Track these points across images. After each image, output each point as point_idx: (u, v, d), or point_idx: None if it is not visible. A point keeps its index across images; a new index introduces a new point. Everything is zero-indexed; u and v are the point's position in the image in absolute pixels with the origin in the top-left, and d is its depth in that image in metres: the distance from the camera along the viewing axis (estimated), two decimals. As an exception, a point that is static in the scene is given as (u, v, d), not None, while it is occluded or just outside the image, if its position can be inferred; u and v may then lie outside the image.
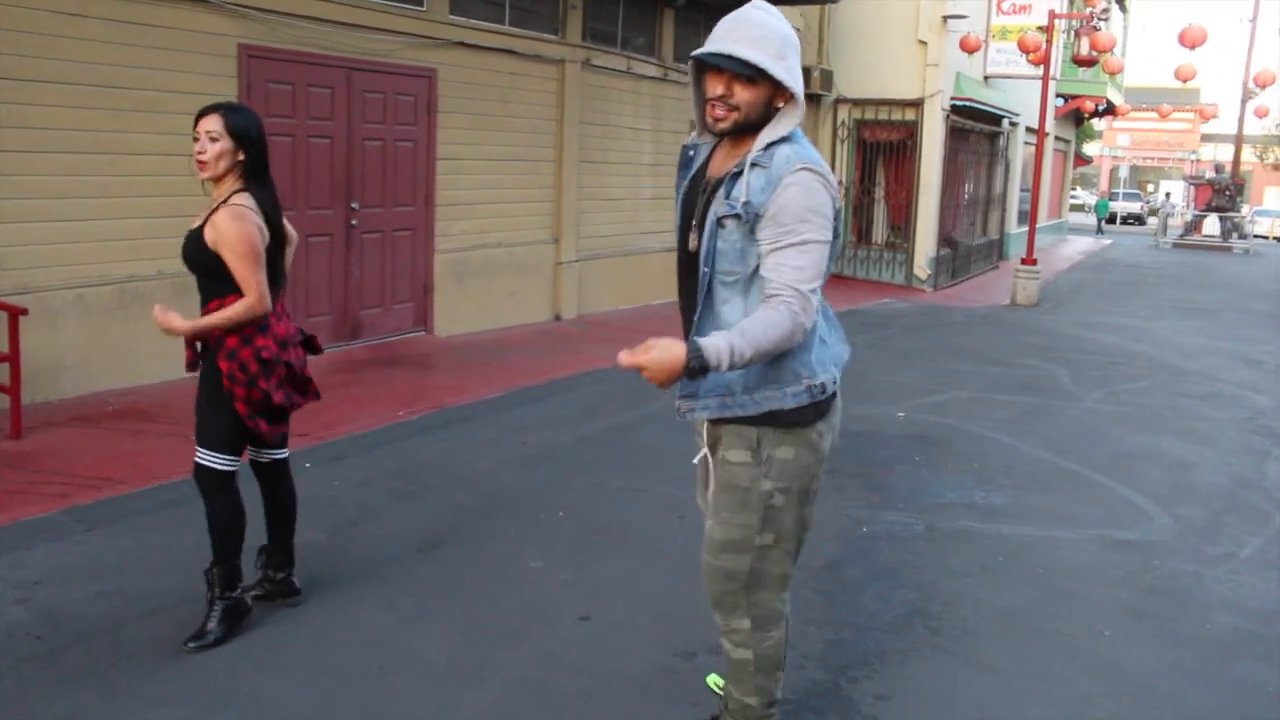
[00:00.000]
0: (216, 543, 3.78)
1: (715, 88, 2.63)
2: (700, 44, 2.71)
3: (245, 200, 3.61)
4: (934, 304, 15.49)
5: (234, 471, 3.76)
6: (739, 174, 2.63)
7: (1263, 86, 26.19)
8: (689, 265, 2.77)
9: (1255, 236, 32.82)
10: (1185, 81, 21.53)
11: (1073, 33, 15.70)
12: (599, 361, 9.04)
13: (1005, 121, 20.45)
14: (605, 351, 9.42)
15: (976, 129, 18.40)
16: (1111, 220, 42.75)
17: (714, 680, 3.42)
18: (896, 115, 16.48)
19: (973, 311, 15.04)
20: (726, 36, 2.58)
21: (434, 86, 9.22)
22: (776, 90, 2.63)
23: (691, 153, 2.86)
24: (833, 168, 16.87)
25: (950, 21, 15.93)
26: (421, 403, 7.37)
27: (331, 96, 8.33)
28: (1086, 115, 27.38)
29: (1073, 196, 43.67)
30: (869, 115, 16.74)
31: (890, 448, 6.97)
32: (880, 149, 16.97)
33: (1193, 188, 36.65)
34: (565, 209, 11.05)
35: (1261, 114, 33.58)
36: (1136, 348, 12.02)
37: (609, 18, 11.48)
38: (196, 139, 3.58)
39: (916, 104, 16.27)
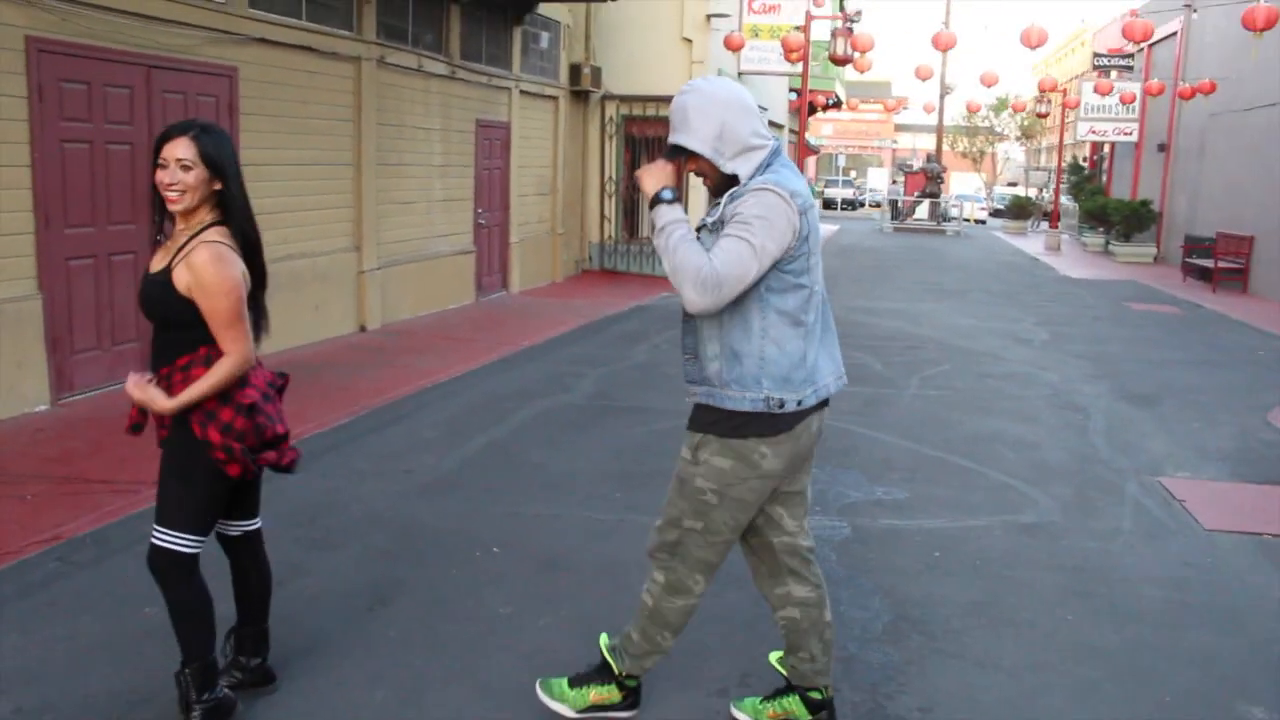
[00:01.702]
0: (185, 638, 3.22)
1: (691, 168, 3.12)
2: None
3: (223, 237, 3.09)
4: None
5: (198, 554, 3.21)
6: (720, 204, 3.04)
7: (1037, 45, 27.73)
8: None
9: (952, 220, 35.71)
10: (925, 80, 23.06)
11: (831, 33, 16.43)
12: (431, 375, 8.59)
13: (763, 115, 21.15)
14: (429, 363, 9.04)
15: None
16: (828, 206, 45.43)
17: (775, 657, 3.63)
18: (664, 111, 16.51)
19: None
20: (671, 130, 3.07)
21: (235, 86, 8.43)
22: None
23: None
24: (600, 164, 17.01)
25: (713, 20, 16.28)
26: (332, 418, 6.73)
27: (131, 98, 7.42)
28: (818, 109, 28.86)
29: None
30: (636, 111, 16.87)
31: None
32: (649, 144, 17.13)
33: (904, 175, 39.48)
34: (366, 214, 10.44)
35: (974, 109, 36.59)
36: (920, 331, 12.74)
37: (399, 13, 10.92)
38: (163, 165, 3.05)
39: (684, 100, 16.49)
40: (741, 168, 3.00)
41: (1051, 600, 4.70)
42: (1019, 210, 36.86)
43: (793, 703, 3.41)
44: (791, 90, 26.95)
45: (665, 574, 3.28)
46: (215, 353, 3.07)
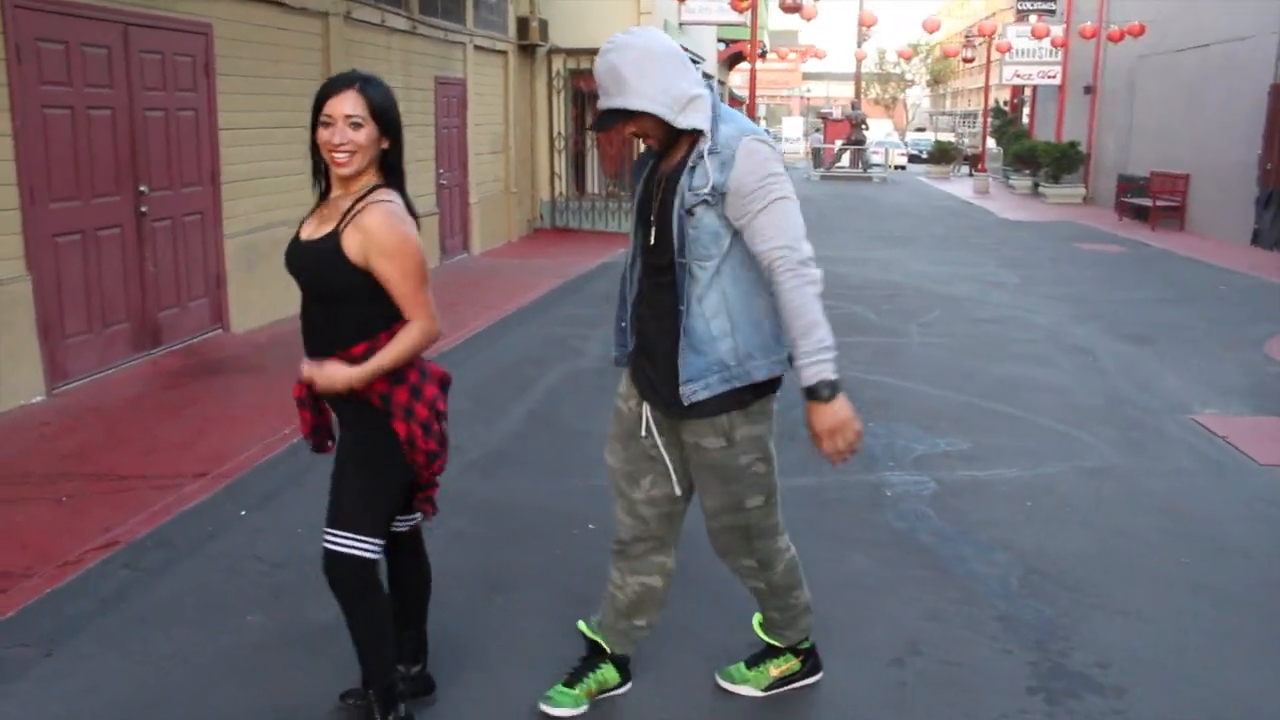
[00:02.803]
0: (368, 657, 2.92)
1: (631, 130, 2.82)
2: None
3: (394, 198, 2.77)
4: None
5: (379, 560, 2.91)
6: (695, 166, 2.75)
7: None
8: (649, 262, 2.91)
9: (875, 166, 35.93)
10: (868, 26, 22.96)
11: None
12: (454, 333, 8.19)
13: (698, 67, 20.88)
14: (448, 319, 8.60)
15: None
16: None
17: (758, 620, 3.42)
18: (614, 64, 16.25)
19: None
20: (601, 97, 2.76)
21: (210, 45, 7.88)
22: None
23: (649, 158, 2.95)
24: (549, 121, 16.59)
25: (661, -32, 15.92)
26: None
27: (109, 58, 6.86)
28: (745, 58, 28.61)
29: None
30: (585, 65, 16.43)
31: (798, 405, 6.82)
32: (595, 99, 16.71)
33: (824, 123, 39.55)
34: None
35: (906, 55, 36.81)
36: (892, 279, 12.70)
37: (361, -37, 10.36)
38: (328, 123, 2.70)
39: (633, 52, 16.13)
40: (698, 119, 2.75)
41: (1158, 544, 4.66)
42: (942, 155, 37.22)
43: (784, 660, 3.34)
44: (720, 40, 26.71)
45: (753, 558, 3.10)
46: (389, 337, 2.75)
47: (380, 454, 2.78)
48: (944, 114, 70.30)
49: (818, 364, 2.70)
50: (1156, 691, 3.41)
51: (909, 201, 26.15)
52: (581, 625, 3.30)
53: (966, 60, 28.19)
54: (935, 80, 60.05)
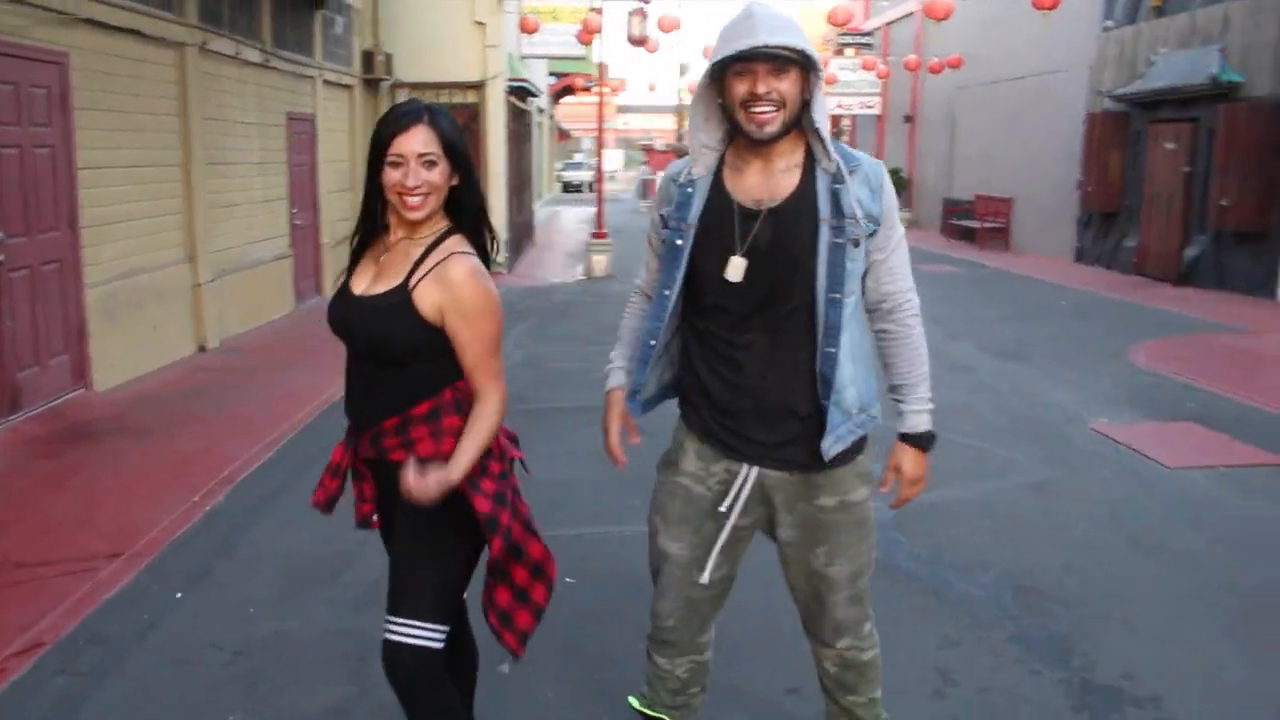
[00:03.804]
0: None
1: (752, 87, 2.32)
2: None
3: (470, 249, 2.49)
4: (526, 285, 15.30)
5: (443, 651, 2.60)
6: (838, 189, 2.41)
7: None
8: (734, 303, 2.48)
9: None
10: (707, 57, 23.27)
11: (629, 14, 16.24)
12: (320, 392, 7.74)
13: (533, 101, 20.77)
14: (304, 380, 8.16)
15: (522, 109, 18.48)
16: (568, 189, 45.39)
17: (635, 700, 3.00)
18: (458, 98, 15.98)
19: (568, 288, 15.25)
20: (750, 34, 2.29)
21: (67, 75, 7.23)
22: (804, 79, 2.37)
23: (690, 188, 2.52)
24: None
25: (505, 2, 15.74)
26: (202, 476, 5.79)
27: (-42, 92, 6.20)
28: (575, 91, 28.71)
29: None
30: (429, 99, 16.00)
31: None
32: (442, 133, 16.35)
33: (648, 154, 40.01)
34: (198, 220, 9.32)
35: (691, 89, 37.35)
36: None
37: (212, -7, 9.79)
38: (397, 163, 2.39)
39: (478, 86, 15.91)
40: (824, 114, 2.42)
41: (1126, 552, 4.80)
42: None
43: None
44: (550, 74, 26.70)
45: (870, 618, 2.77)
46: (461, 395, 2.48)
47: (442, 531, 2.49)
48: (754, 145, 72.28)
49: (928, 413, 2.59)
50: (1189, 697, 3.47)
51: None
52: (634, 702, 2.99)
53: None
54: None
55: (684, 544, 2.66)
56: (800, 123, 2.39)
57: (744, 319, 2.48)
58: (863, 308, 2.55)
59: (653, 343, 2.59)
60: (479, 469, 2.46)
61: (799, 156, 2.46)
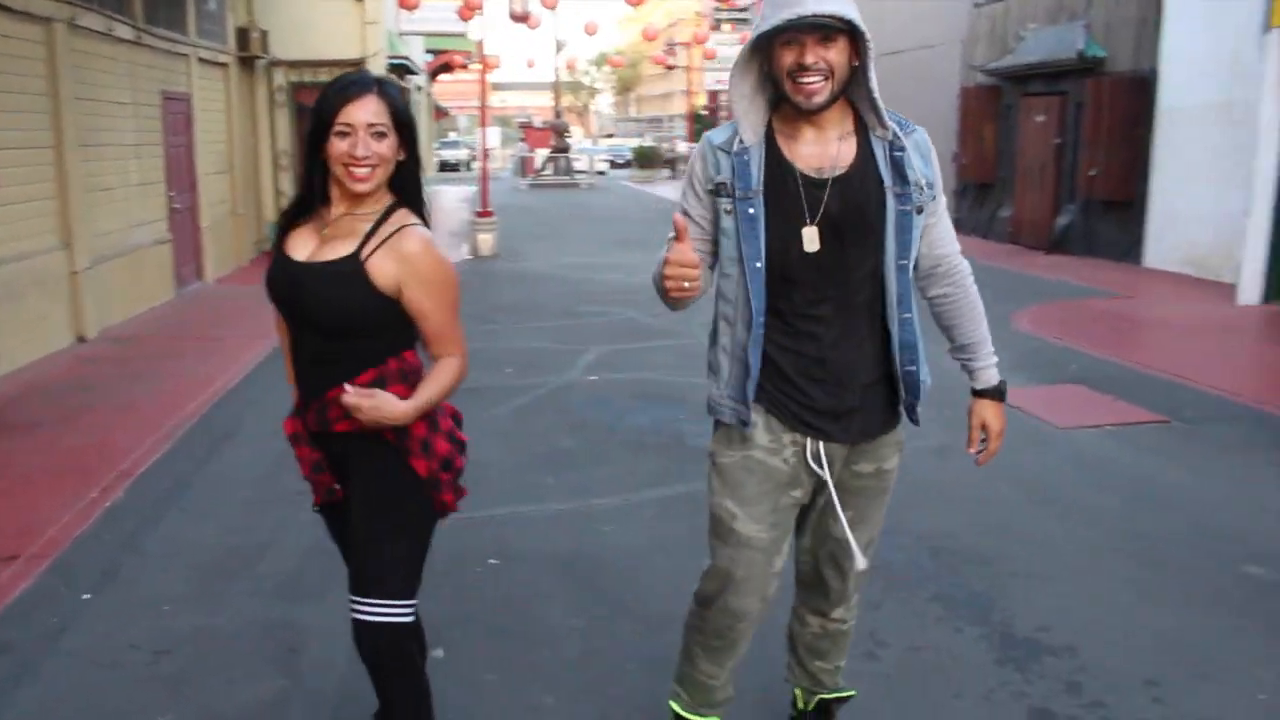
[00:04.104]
0: None
1: (799, 58, 2.28)
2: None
3: (417, 220, 2.45)
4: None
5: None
6: (899, 155, 2.41)
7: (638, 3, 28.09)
8: (812, 273, 2.42)
9: (580, 173, 36.47)
10: (591, 35, 23.10)
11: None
12: (212, 382, 7.52)
13: (412, 79, 20.40)
14: (197, 369, 7.94)
15: (402, 88, 18.12)
16: (445, 168, 44.68)
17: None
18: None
19: (455, 267, 15.00)
20: (798, 2, 2.22)
21: (-73, 57, 6.84)
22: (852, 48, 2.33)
23: (746, 155, 2.42)
24: (271, 137, 15.67)
25: (384, -24, 15.41)
26: (98, 472, 5.57)
27: None
28: (453, 68, 28.28)
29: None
30: (307, 78, 15.64)
31: (650, 414, 6.81)
32: (320, 112, 15.91)
33: (526, 132, 39.68)
34: (73, 205, 8.91)
35: (571, 65, 37.11)
36: (650, 282, 12.85)
37: (79, -34, 9.32)
38: (345, 132, 2.32)
39: (358, 64, 15.50)
40: (874, 83, 2.37)
41: (1028, 512, 5.01)
42: (646, 160, 38.30)
43: None
44: (428, 51, 26.25)
45: (858, 597, 2.83)
46: (407, 366, 2.45)
47: (403, 500, 2.47)
48: (631, 120, 72.54)
49: (996, 366, 2.67)
50: (1103, 644, 3.66)
51: (626, 206, 26.75)
52: (677, 707, 2.80)
53: (669, 67, 29.25)
54: (624, 88, 61.91)
55: (763, 526, 2.52)
56: (847, 90, 2.36)
57: (817, 290, 2.42)
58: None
59: (762, 319, 2.43)
60: (414, 429, 2.44)
61: (849, 123, 2.43)
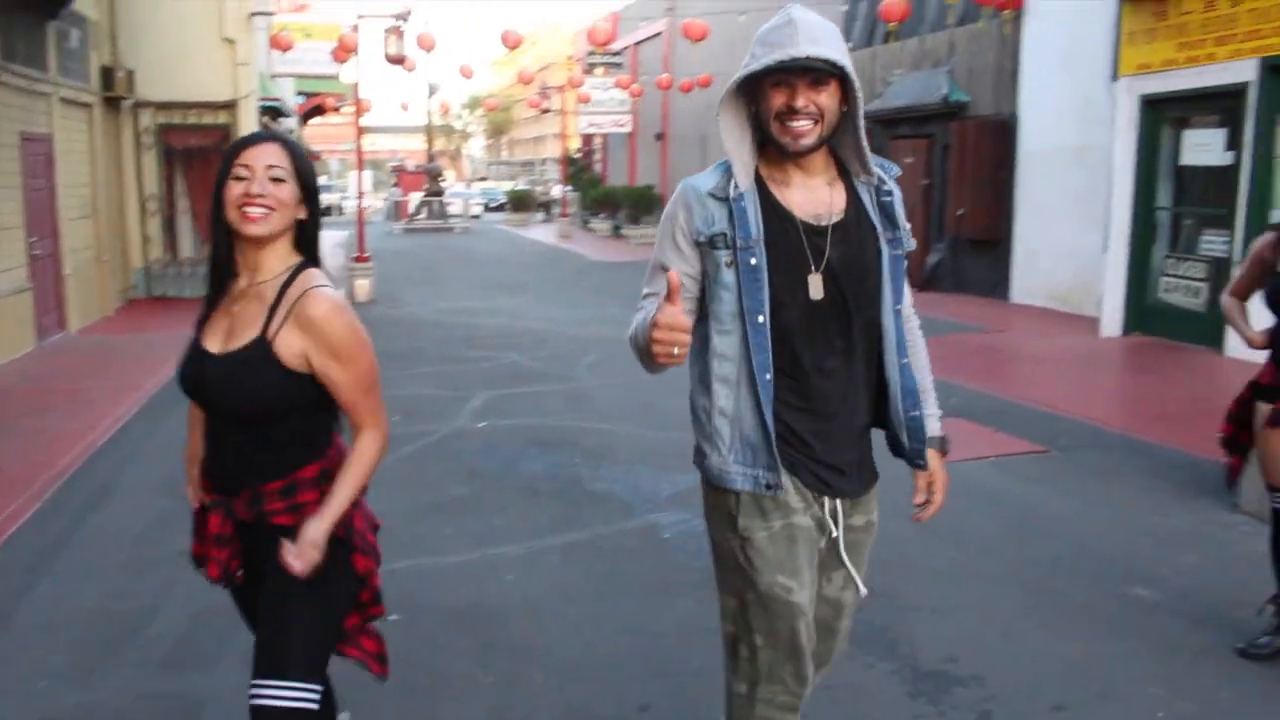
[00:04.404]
0: None
1: (791, 100, 2.22)
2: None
3: (325, 280, 2.36)
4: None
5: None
6: (886, 200, 2.39)
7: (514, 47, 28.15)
8: (820, 325, 2.34)
9: (455, 216, 36.19)
10: (468, 78, 22.97)
11: (385, 32, 15.85)
12: (84, 437, 7.17)
13: (285, 122, 20.00)
14: (66, 424, 7.59)
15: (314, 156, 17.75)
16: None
17: None
18: (208, 119, 15.19)
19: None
20: (790, 42, 2.19)
21: None
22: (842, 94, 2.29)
23: (741, 202, 2.31)
24: (137, 181, 15.15)
25: (255, 18, 15.10)
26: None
27: None
28: (326, 111, 27.83)
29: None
30: (177, 119, 15.18)
31: (544, 459, 6.74)
32: (190, 156, 15.47)
33: (399, 175, 39.24)
34: (-77, 254, 8.44)
35: (445, 109, 37.00)
36: (532, 326, 12.82)
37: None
38: (242, 176, 2.26)
39: (229, 106, 15.17)
40: (861, 128, 2.33)
41: (927, 543, 5.09)
42: (519, 203, 38.24)
43: None
44: (299, 94, 25.81)
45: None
46: (328, 462, 2.37)
47: (332, 583, 2.35)
48: (503, 164, 72.49)
49: (940, 419, 2.60)
50: (1008, 672, 3.75)
51: (503, 250, 26.66)
52: None
53: (544, 111, 29.38)
54: (496, 131, 61.87)
55: (806, 593, 2.39)
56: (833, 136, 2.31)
57: (826, 342, 2.35)
58: None
59: (768, 376, 2.32)
60: (356, 522, 2.37)
61: (833, 169, 2.39)
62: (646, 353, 2.20)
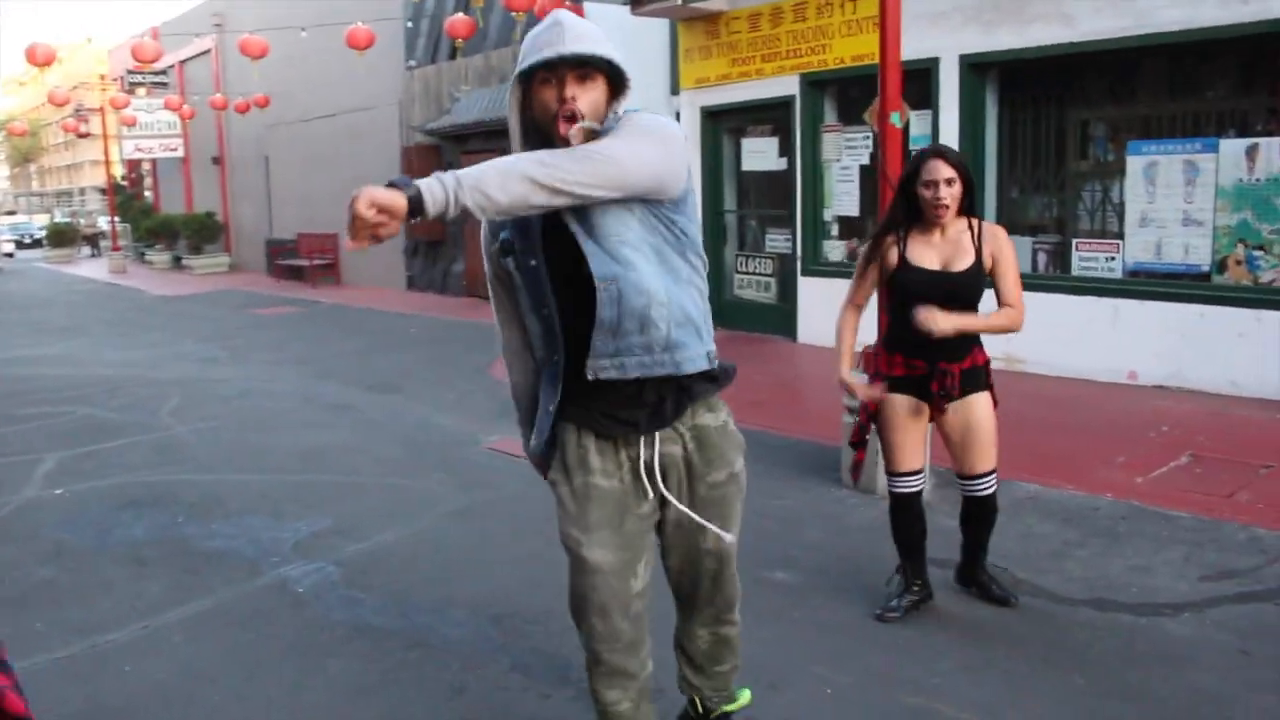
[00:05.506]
0: None
1: (561, 92, 2.37)
2: None
3: None
4: None
5: None
6: None
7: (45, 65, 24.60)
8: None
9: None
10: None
11: None
12: None
13: None
14: None
15: None
16: None
17: None
18: None
19: None
20: (557, 42, 2.34)
21: None
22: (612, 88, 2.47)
23: None
24: None
25: None
26: None
27: None
28: None
29: None
30: None
31: (143, 522, 5.94)
32: None
33: None
34: None
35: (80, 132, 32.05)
36: (99, 372, 11.44)
37: None
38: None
39: None
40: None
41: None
42: (61, 238, 34.36)
43: None
44: None
45: (737, 589, 2.94)
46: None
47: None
48: (34, 195, 65.02)
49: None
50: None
51: (46, 290, 23.79)
52: None
53: (81, 135, 26.42)
54: (23, 159, 55.05)
55: (608, 549, 2.68)
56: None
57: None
58: None
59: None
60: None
61: None
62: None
